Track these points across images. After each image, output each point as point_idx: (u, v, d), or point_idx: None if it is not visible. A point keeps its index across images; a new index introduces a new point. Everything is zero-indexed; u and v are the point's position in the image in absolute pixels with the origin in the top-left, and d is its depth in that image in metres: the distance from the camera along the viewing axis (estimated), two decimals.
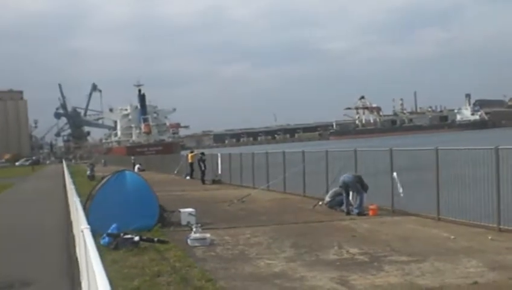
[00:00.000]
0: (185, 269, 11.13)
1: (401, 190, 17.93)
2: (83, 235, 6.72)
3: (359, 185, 18.56)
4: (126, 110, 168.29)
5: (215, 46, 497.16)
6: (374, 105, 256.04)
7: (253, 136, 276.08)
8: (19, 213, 25.41)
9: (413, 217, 17.09)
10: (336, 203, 19.42)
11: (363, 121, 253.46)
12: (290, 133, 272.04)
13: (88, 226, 6.83)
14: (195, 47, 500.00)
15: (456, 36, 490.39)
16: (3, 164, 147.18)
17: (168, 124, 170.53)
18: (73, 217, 15.04)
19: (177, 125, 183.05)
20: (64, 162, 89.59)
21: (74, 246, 12.42)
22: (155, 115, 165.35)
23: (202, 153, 41.32)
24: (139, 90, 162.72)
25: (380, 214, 17.98)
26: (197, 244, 13.83)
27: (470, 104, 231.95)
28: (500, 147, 14.78)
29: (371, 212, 18.04)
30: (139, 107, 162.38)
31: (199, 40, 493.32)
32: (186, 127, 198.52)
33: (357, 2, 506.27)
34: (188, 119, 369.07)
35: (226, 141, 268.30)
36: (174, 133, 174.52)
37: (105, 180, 17.87)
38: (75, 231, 12.55)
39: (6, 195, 38.77)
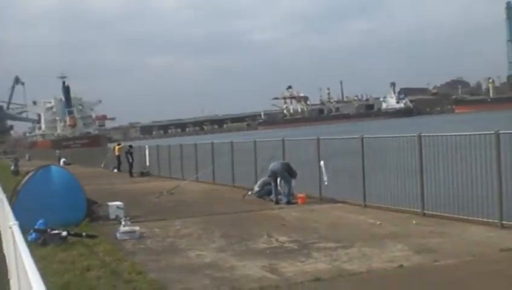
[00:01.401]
0: (115, 263, 11.02)
1: (325, 178, 18.28)
2: (12, 232, 6.56)
3: (287, 173, 18.77)
4: (50, 102, 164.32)
5: (140, 37, 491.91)
6: (301, 94, 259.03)
7: (181, 127, 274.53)
8: None
9: (341, 205, 17.46)
10: (265, 192, 19.60)
11: (291, 111, 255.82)
12: (219, 123, 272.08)
13: (16, 222, 6.68)
14: (120, 38, 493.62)
15: (380, 26, 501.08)
16: None
17: (94, 116, 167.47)
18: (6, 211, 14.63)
19: (104, 118, 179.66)
20: None
21: (0, 242, 12.10)
22: (80, 107, 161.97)
23: (130, 146, 40.82)
24: (63, 82, 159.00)
25: (309, 202, 18.26)
26: (126, 237, 13.71)
27: (395, 93, 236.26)
28: (422, 134, 15.26)
29: (299, 201, 18.29)
30: (63, 99, 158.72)
31: (124, 30, 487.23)
32: (112, 119, 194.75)
33: None
34: (114, 111, 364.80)
35: (154, 133, 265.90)
36: (100, 126, 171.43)
37: (30, 175, 17.45)
38: (2, 227, 12.22)
39: None
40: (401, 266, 9.81)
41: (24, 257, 4.56)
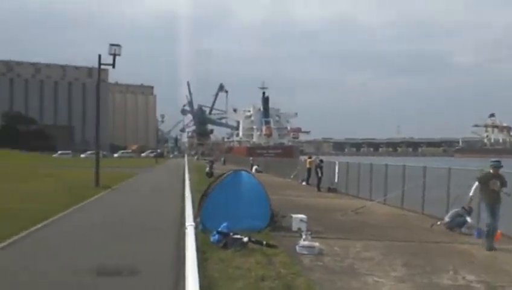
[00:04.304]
0: (290, 276, 10.82)
1: None
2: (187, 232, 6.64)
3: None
4: (249, 111, 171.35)
5: (340, 53, 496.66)
6: (505, 124, 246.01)
7: (374, 146, 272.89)
8: (136, 203, 26.16)
9: None
10: (456, 224, 18.44)
11: (492, 140, 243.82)
12: (413, 146, 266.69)
13: (193, 224, 6.73)
14: (320, 52, 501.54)
15: None
16: (130, 154, 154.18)
17: (289, 128, 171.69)
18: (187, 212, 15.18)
19: (298, 130, 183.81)
20: (186, 157, 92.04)
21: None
22: (277, 118, 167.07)
23: (321, 160, 40.82)
24: (263, 93, 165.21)
25: (503, 241, 16.87)
26: (305, 252, 13.51)
27: None
28: None
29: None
30: (261, 109, 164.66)
31: (325, 45, 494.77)
32: (307, 132, 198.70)
33: (490, 14, 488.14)
34: (308, 124, 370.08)
35: (346, 150, 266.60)
36: (294, 138, 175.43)
37: (222, 178, 17.94)
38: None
39: (128, 184, 40.19)
40: None
41: (188, 257, 4.49)
